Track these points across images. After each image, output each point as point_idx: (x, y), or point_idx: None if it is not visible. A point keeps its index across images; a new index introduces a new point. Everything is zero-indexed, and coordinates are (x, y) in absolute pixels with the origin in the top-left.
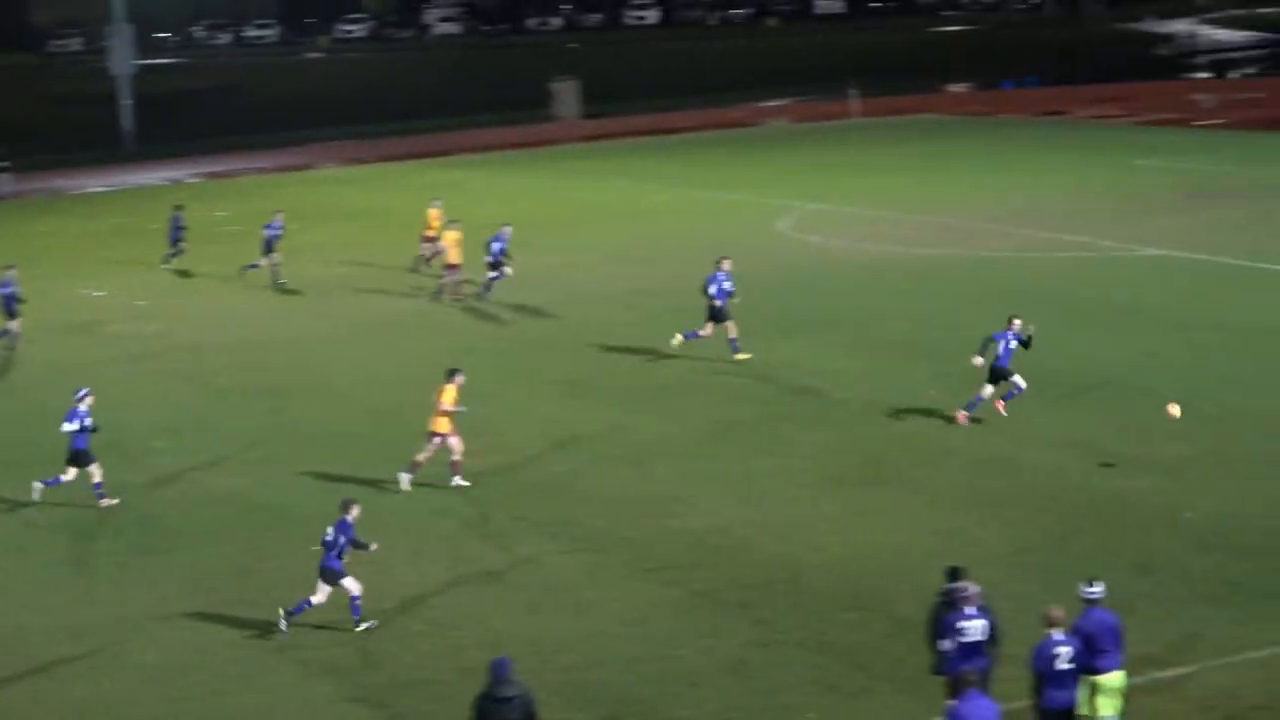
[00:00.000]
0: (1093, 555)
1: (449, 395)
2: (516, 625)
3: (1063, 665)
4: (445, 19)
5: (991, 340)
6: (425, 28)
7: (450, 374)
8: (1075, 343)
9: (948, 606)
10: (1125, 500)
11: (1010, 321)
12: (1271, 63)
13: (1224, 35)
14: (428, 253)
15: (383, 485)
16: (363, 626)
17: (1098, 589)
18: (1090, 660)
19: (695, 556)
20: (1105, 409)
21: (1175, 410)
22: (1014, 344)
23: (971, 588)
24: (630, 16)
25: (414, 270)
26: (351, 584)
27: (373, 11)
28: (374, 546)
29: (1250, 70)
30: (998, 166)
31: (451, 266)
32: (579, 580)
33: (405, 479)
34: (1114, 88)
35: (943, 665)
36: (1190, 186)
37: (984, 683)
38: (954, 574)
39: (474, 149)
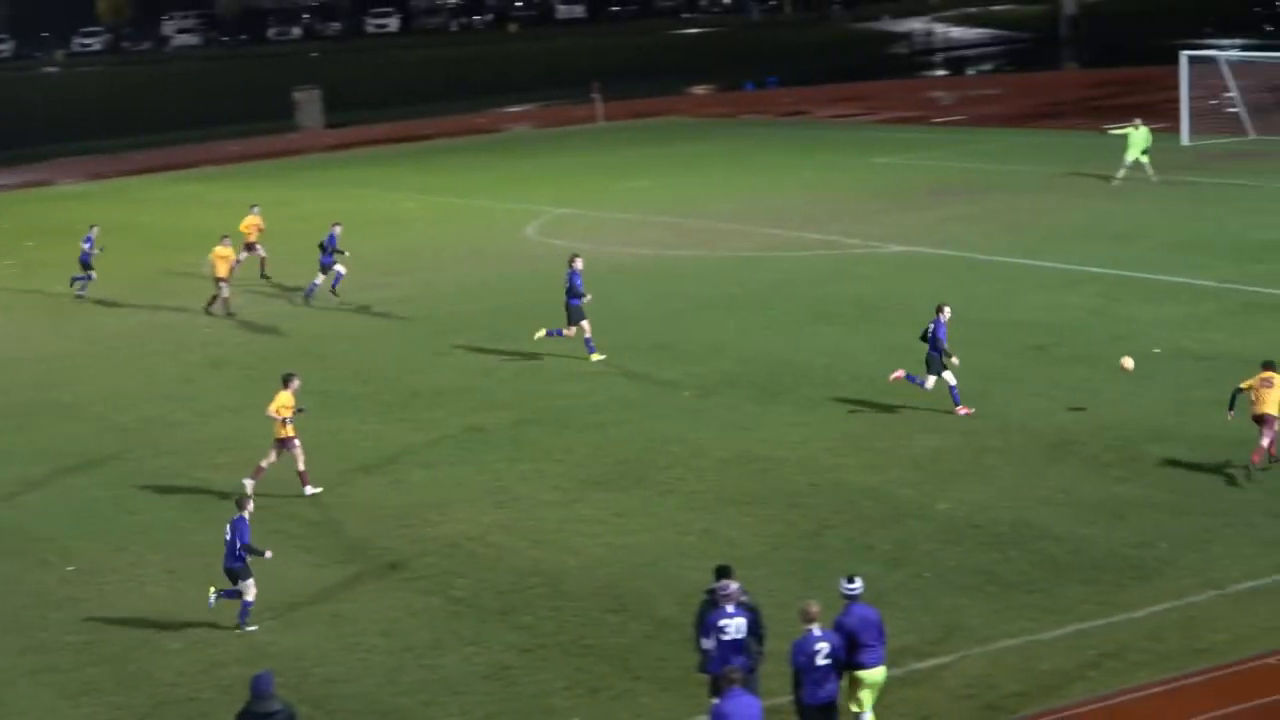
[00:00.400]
0: (847, 549)
1: (285, 400)
2: (275, 639)
3: (822, 661)
4: (183, 30)
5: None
6: (164, 39)
7: (285, 379)
8: (823, 339)
9: (710, 606)
10: (877, 493)
11: (938, 310)
12: (1006, 59)
13: (959, 33)
14: (257, 255)
15: (128, 504)
16: (249, 629)
17: (857, 585)
18: (853, 656)
19: (453, 564)
20: (857, 403)
21: (1128, 363)
22: (935, 331)
23: (731, 586)
24: (371, 24)
25: (265, 277)
26: (248, 588)
27: (108, 24)
28: (268, 554)
29: (986, 67)
30: (742, 167)
31: (220, 280)
32: (337, 591)
33: (249, 484)
34: (853, 87)
35: (705, 664)
36: (931, 183)
37: (748, 680)
38: (721, 573)
39: (217, 161)
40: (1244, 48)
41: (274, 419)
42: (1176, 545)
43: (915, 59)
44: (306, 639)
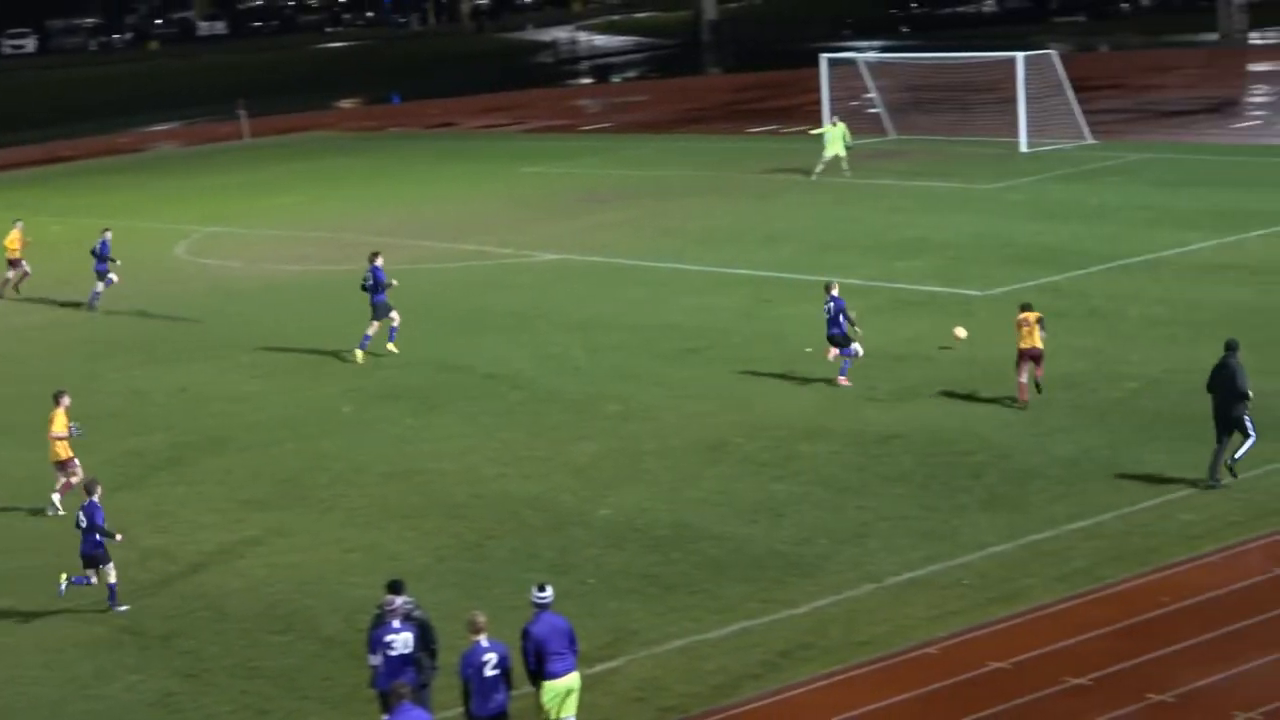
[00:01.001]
0: (511, 559)
1: (59, 421)
2: None
3: (490, 672)
4: None
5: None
6: None
7: (56, 397)
8: (480, 350)
9: (378, 621)
10: (539, 502)
11: (827, 289)
12: (650, 66)
13: (603, 41)
14: (14, 277)
15: None
16: (120, 609)
17: (548, 593)
18: (544, 665)
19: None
20: (516, 412)
21: (961, 333)
22: (833, 310)
23: (396, 601)
24: (7, 46)
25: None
26: (110, 571)
27: None
28: (119, 537)
29: (631, 74)
30: (392, 180)
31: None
32: None
33: (55, 498)
34: (501, 97)
35: (374, 680)
36: (581, 191)
37: (419, 694)
38: (392, 588)
39: None
40: (882, 49)
41: (62, 437)
42: (834, 541)
43: (561, 68)
44: None
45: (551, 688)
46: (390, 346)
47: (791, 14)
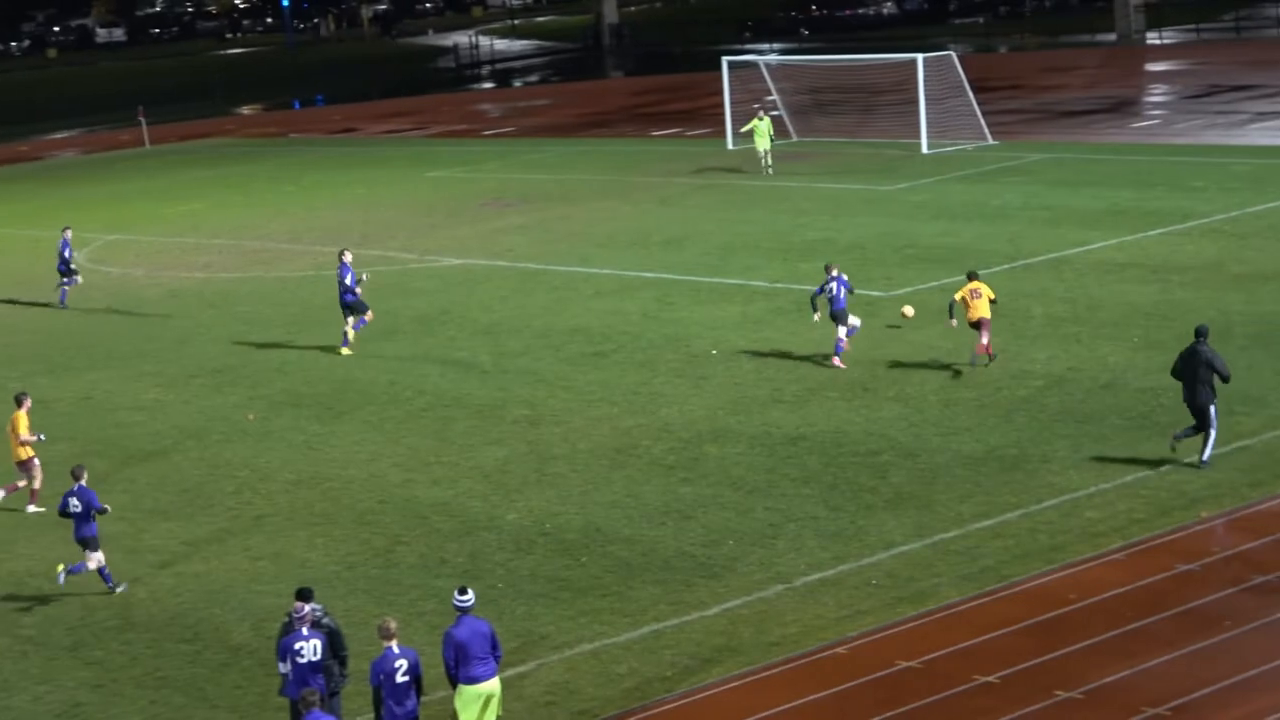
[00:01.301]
0: (420, 565)
1: (22, 423)
2: None
3: (401, 678)
4: None
5: (818, 294)
6: None
7: (18, 399)
8: (386, 355)
9: (286, 629)
10: (447, 507)
11: (828, 269)
12: (553, 69)
13: (504, 45)
14: None
15: None
16: (119, 588)
17: (469, 597)
18: (466, 669)
19: (20, 603)
20: (423, 418)
21: (909, 311)
22: (837, 288)
23: (305, 608)
24: None
25: None
26: (98, 557)
27: None
28: (108, 508)
29: (533, 78)
30: (295, 186)
31: None
32: None
33: (31, 510)
34: (403, 102)
35: (284, 688)
36: (485, 195)
37: (327, 702)
38: (301, 595)
39: None
40: (782, 52)
41: (26, 441)
42: (743, 542)
43: (463, 72)
44: None
45: (471, 692)
46: (343, 350)
47: (692, 17)
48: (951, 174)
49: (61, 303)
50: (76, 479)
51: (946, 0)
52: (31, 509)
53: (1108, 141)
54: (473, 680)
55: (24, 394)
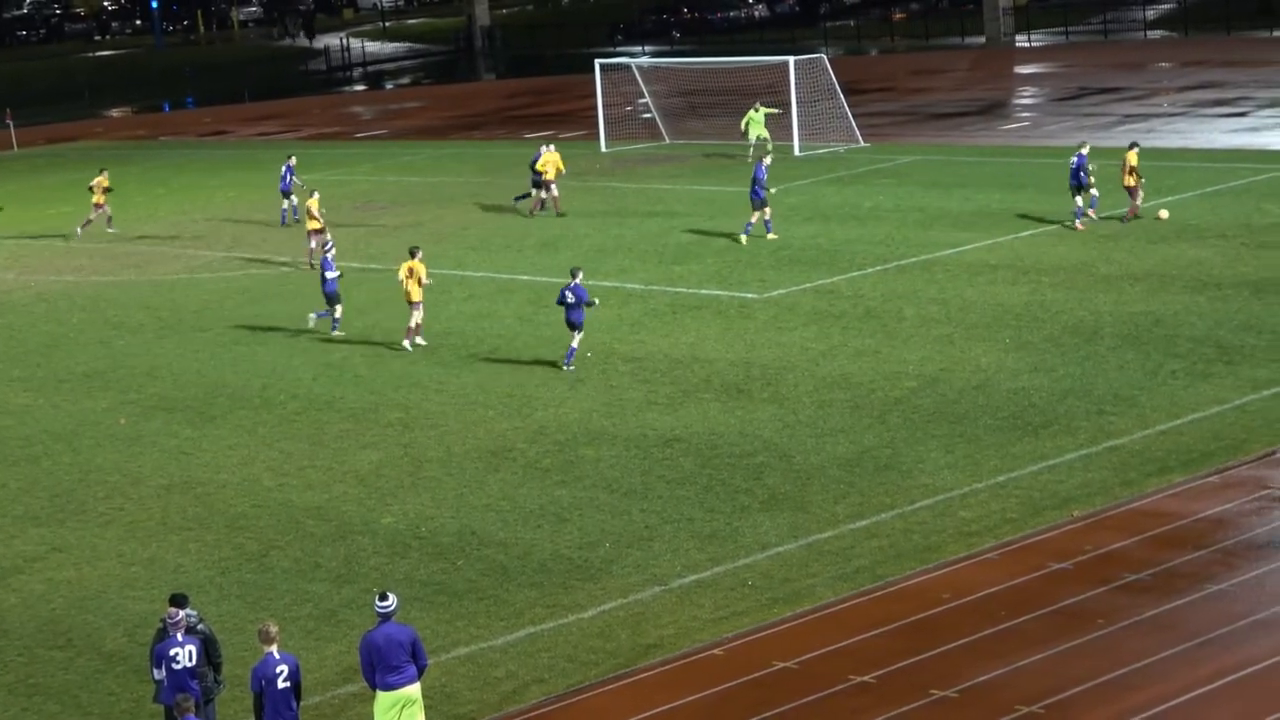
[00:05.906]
0: (294, 569)
1: None
2: None
3: (282, 684)
4: None
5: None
6: None
7: None
8: (258, 359)
9: (160, 635)
10: (322, 512)
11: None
12: (424, 72)
13: (375, 47)
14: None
15: None
16: None
17: (389, 602)
18: (381, 675)
19: None
20: (296, 421)
21: (1164, 214)
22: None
23: (179, 614)
24: None
25: None
26: None
27: None
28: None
29: (405, 81)
30: (166, 189)
31: None
32: None
33: None
34: (274, 104)
35: (158, 694)
36: (357, 198)
37: (201, 708)
38: (174, 601)
39: None
40: (654, 55)
41: None
42: (619, 544)
43: (334, 75)
44: None
45: (386, 699)
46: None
47: (563, 20)
48: (823, 176)
49: None
50: None
51: (818, 3)
52: None
53: (978, 144)
54: (388, 687)
55: None
